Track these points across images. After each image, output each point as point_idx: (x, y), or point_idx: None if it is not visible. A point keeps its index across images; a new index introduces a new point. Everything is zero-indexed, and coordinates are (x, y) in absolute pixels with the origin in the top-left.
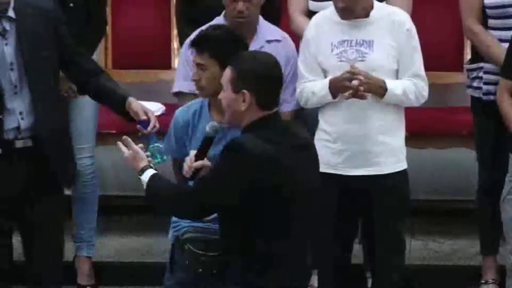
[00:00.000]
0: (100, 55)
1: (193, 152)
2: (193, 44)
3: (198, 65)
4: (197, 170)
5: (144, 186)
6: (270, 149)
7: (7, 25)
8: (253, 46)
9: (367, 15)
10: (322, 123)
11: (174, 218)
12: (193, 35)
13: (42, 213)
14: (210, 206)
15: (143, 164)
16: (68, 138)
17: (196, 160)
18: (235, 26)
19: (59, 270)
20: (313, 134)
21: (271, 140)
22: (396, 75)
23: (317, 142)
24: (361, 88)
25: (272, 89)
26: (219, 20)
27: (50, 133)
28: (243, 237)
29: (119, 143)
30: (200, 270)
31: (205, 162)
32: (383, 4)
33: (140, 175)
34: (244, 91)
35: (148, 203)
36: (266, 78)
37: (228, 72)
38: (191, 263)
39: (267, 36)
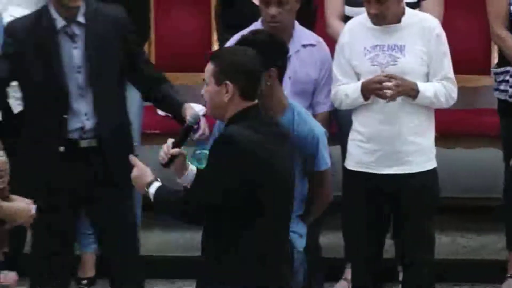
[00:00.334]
0: None
1: (171, 140)
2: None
3: None
4: (173, 157)
5: (152, 199)
6: (259, 139)
7: (77, 30)
8: (289, 51)
9: (398, 21)
10: (356, 124)
11: None
12: (232, 39)
13: (109, 212)
14: (213, 203)
15: (150, 179)
16: (130, 139)
17: (173, 148)
18: (270, 30)
19: (139, 268)
20: (347, 135)
21: (258, 130)
22: (427, 78)
23: (350, 142)
24: (392, 90)
25: (253, 80)
26: (256, 25)
27: (112, 133)
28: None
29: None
30: None
31: (182, 150)
32: (414, 10)
33: (148, 188)
34: (227, 82)
35: (158, 214)
36: (247, 70)
37: (210, 67)
38: None
39: (302, 41)
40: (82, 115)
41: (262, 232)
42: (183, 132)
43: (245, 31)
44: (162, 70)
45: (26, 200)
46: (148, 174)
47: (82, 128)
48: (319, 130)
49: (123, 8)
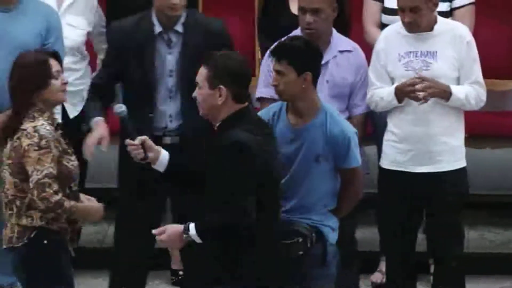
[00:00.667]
0: None
1: (127, 140)
2: (273, 53)
3: (277, 72)
4: (143, 147)
5: (198, 237)
6: (259, 141)
7: (173, 37)
8: (327, 56)
9: (431, 29)
10: (390, 125)
11: None
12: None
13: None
14: (248, 204)
15: (180, 228)
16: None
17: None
18: (307, 37)
19: None
20: (382, 135)
21: (255, 132)
22: (458, 82)
23: (385, 142)
24: (426, 92)
25: (244, 84)
26: (296, 33)
27: (194, 133)
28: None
29: (155, 232)
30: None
31: (141, 137)
32: (446, 19)
33: (187, 233)
34: (221, 86)
35: (214, 244)
36: (240, 75)
37: (203, 71)
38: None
39: (339, 47)
40: (167, 117)
41: (263, 231)
42: (122, 125)
43: (284, 38)
44: None
45: (92, 198)
46: (175, 226)
47: (165, 127)
48: (350, 130)
49: (222, 22)
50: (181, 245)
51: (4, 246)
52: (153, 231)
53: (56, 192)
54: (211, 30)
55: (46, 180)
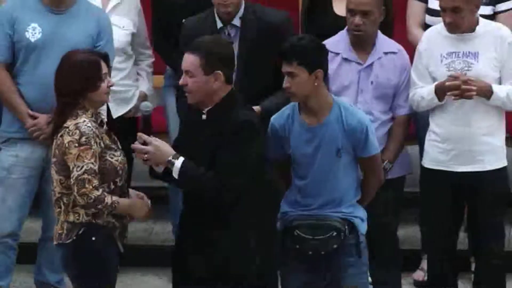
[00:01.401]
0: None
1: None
2: (282, 55)
3: (288, 73)
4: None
5: (177, 172)
6: (257, 118)
7: (232, 31)
8: (372, 58)
9: (473, 30)
10: (432, 125)
11: (282, 209)
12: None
13: None
14: (246, 184)
15: (171, 151)
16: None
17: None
18: (354, 38)
19: None
20: (425, 135)
21: (249, 109)
22: (499, 83)
23: (427, 142)
24: (468, 87)
25: (233, 66)
26: (342, 33)
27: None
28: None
29: (135, 145)
30: (310, 252)
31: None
32: (488, 20)
33: (173, 161)
34: (217, 71)
35: (181, 186)
36: (230, 57)
37: (194, 59)
38: (301, 247)
39: (384, 48)
40: None
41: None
42: (144, 122)
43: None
44: None
45: (141, 194)
46: (168, 146)
47: None
48: (366, 118)
49: (284, 15)
50: (159, 164)
51: (55, 242)
52: (141, 136)
53: (96, 188)
54: (270, 22)
55: (86, 176)
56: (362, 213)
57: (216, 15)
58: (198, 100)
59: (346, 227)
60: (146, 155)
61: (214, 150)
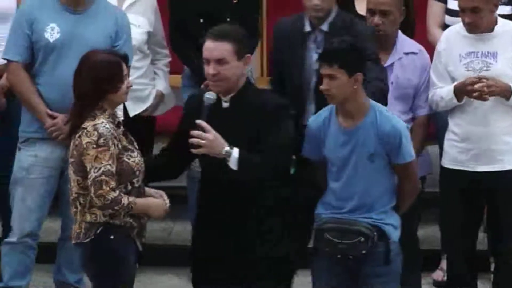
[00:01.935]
0: (257, 64)
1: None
2: (322, 58)
3: (328, 75)
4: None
5: (235, 160)
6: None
7: (319, 36)
8: (392, 58)
9: (491, 30)
10: (451, 125)
11: (316, 211)
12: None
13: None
14: (290, 156)
15: (224, 143)
16: None
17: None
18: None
19: None
20: (444, 135)
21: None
22: None
23: (446, 142)
24: (483, 91)
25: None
26: None
27: None
28: None
29: (195, 132)
30: (339, 256)
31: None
32: (507, 20)
33: (230, 151)
34: (248, 55)
35: (241, 173)
36: (250, 42)
37: (227, 46)
38: (330, 250)
39: (404, 49)
40: (310, 116)
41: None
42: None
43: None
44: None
45: (161, 192)
46: (222, 140)
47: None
48: (401, 125)
49: (372, 29)
50: (215, 154)
51: (73, 242)
52: (200, 123)
53: (113, 189)
54: (354, 32)
55: (103, 177)
56: (395, 220)
57: (306, 18)
58: (227, 88)
59: (375, 233)
60: (203, 141)
61: (249, 136)
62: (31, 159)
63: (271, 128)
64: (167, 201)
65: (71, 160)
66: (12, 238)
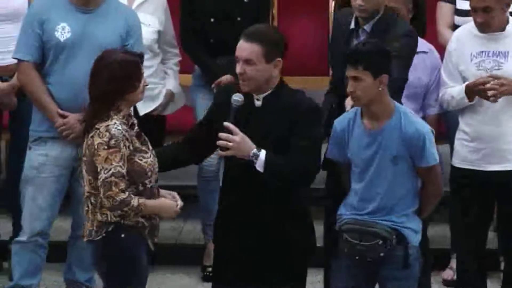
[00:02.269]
0: None
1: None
2: (348, 59)
3: (354, 78)
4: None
5: (262, 162)
6: None
7: (362, 35)
8: None
9: (503, 29)
10: (462, 125)
11: (339, 211)
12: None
13: None
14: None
15: (253, 145)
16: None
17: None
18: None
19: None
20: (455, 135)
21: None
22: None
23: (457, 141)
24: (495, 90)
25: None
26: None
27: None
28: None
29: (223, 135)
30: (357, 257)
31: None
32: None
33: (257, 154)
34: (278, 59)
35: (268, 176)
36: (285, 44)
37: (256, 48)
38: (349, 251)
39: None
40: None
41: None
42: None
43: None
44: (283, 74)
45: (173, 194)
46: (250, 141)
47: None
48: (425, 129)
49: (408, 30)
50: (243, 155)
51: (85, 239)
52: (228, 125)
53: (122, 191)
54: (394, 34)
55: (113, 179)
56: (416, 224)
57: (354, 15)
58: (254, 88)
59: (394, 237)
60: (231, 144)
61: (280, 135)
62: (42, 158)
63: (301, 131)
64: (180, 202)
65: (84, 159)
66: (23, 237)
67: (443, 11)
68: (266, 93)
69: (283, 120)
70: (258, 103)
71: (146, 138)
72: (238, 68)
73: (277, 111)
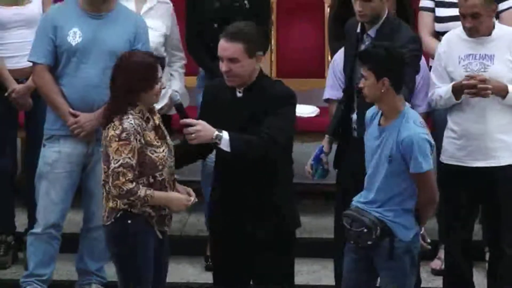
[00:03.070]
0: (267, 66)
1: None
2: (359, 57)
3: (362, 75)
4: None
5: (228, 143)
6: None
7: (367, 40)
8: None
9: (489, 33)
10: (450, 123)
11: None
12: (340, 51)
13: None
14: (287, 141)
15: (213, 129)
16: None
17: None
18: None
19: None
20: (442, 133)
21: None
22: None
23: (445, 139)
24: (484, 86)
25: (267, 46)
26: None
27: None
28: None
29: (185, 130)
30: (352, 242)
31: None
32: (503, 25)
33: (220, 133)
34: (259, 53)
35: (234, 154)
36: (265, 39)
37: (238, 46)
38: (346, 235)
39: None
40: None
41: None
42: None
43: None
44: (282, 76)
45: (188, 189)
46: (211, 126)
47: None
48: (417, 137)
49: (415, 36)
50: (207, 140)
51: (102, 223)
52: (185, 121)
53: (130, 181)
54: (399, 40)
55: (121, 169)
56: (406, 221)
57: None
58: (240, 83)
59: (379, 228)
60: (193, 135)
61: (260, 122)
62: (55, 155)
63: (274, 113)
64: (193, 197)
65: (101, 150)
66: (37, 229)
67: (425, 20)
68: (246, 86)
69: (261, 109)
70: (239, 94)
71: (166, 133)
72: (224, 67)
73: (255, 101)
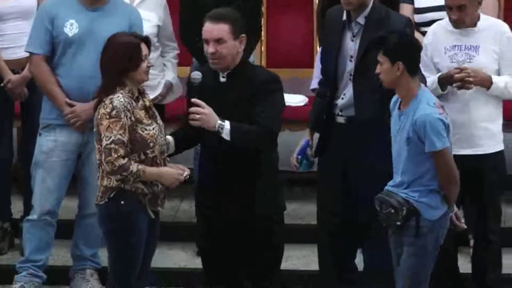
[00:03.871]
0: (258, 57)
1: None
2: (376, 44)
3: (378, 61)
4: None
5: (228, 132)
6: None
7: (356, 28)
8: None
9: (474, 25)
10: None
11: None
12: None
13: None
14: (280, 123)
15: (217, 118)
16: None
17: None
18: None
19: None
20: None
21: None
22: (498, 74)
23: None
24: (470, 79)
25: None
26: None
27: (366, 113)
28: None
29: (193, 109)
30: (384, 224)
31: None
32: (487, 16)
33: (222, 125)
34: (242, 35)
35: (235, 143)
36: (242, 22)
37: (224, 27)
38: (379, 218)
39: None
40: (341, 96)
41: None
42: (190, 90)
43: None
44: (272, 66)
45: (182, 167)
46: (215, 115)
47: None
48: (429, 117)
49: (407, 20)
50: (209, 127)
51: (95, 203)
52: (197, 101)
53: (122, 157)
54: (389, 24)
55: (113, 145)
56: (432, 200)
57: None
58: (225, 65)
59: (405, 208)
60: (198, 116)
61: (244, 107)
62: (51, 144)
63: (260, 99)
64: (186, 172)
65: (94, 129)
66: (33, 216)
67: (405, 12)
68: (229, 70)
69: (244, 94)
70: (222, 79)
71: (156, 113)
72: (210, 48)
73: (238, 85)
